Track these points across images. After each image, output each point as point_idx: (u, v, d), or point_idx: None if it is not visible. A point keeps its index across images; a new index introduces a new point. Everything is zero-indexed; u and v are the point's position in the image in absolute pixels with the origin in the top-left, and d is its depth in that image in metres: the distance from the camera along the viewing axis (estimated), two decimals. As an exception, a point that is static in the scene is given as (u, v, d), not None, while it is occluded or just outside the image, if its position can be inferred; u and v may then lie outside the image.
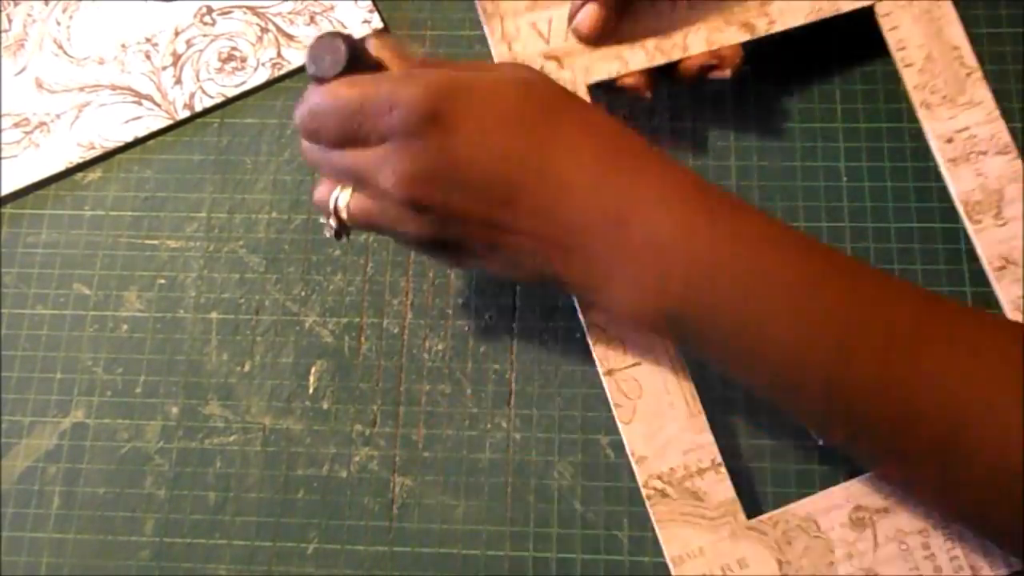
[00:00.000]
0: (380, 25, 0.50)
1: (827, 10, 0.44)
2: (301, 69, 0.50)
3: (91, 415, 0.45)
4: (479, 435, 0.43)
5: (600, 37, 0.42)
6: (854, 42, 0.48)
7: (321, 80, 0.34)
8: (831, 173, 0.46)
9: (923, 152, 0.46)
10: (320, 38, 0.34)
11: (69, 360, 0.46)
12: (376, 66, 0.36)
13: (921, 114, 0.43)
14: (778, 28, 0.43)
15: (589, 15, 0.41)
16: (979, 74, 0.44)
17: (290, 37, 0.51)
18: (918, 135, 0.47)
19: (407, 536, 0.42)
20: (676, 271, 0.32)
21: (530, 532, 0.42)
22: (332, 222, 0.36)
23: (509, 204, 0.33)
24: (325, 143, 0.35)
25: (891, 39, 0.44)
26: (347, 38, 0.35)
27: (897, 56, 0.44)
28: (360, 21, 0.50)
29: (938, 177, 0.46)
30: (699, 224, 0.32)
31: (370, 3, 0.51)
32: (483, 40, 0.50)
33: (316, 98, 0.34)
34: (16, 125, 0.50)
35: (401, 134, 0.32)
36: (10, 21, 0.52)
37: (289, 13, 0.51)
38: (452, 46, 0.50)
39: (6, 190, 0.48)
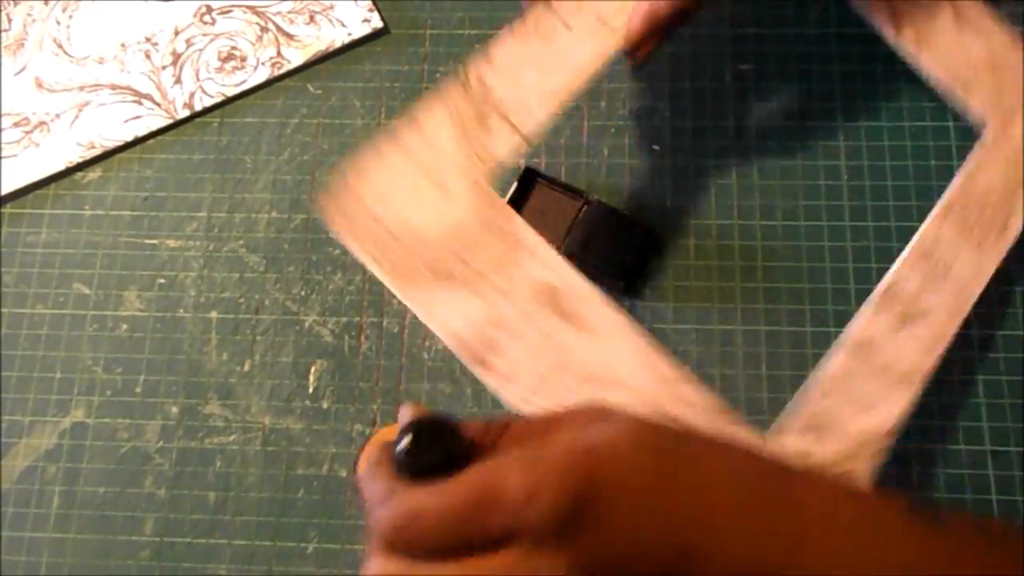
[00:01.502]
0: (380, 25, 0.50)
1: None
2: (301, 68, 0.50)
3: (91, 414, 0.45)
4: (479, 434, 0.43)
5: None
6: (854, 41, 0.48)
7: (416, 475, 0.27)
8: (832, 172, 0.46)
9: (924, 151, 0.46)
10: (413, 432, 0.27)
11: (69, 359, 0.46)
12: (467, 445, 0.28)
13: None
14: None
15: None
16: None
17: (290, 36, 0.50)
18: (919, 133, 0.47)
19: (407, 536, 0.42)
20: None
21: (530, 531, 0.42)
22: None
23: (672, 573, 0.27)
24: (422, 552, 0.27)
25: None
26: (446, 422, 0.28)
27: None
28: (360, 20, 0.50)
29: (938, 175, 0.46)
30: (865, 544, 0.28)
31: (370, 3, 0.51)
32: (481, 39, 0.50)
33: (418, 499, 0.26)
34: (16, 124, 0.50)
35: (538, 536, 0.25)
36: (10, 21, 0.52)
37: (289, 12, 0.51)
38: (452, 46, 0.50)
39: (6, 190, 0.48)
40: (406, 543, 0.27)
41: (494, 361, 0.37)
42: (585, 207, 0.45)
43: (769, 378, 0.43)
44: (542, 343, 0.37)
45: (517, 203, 0.46)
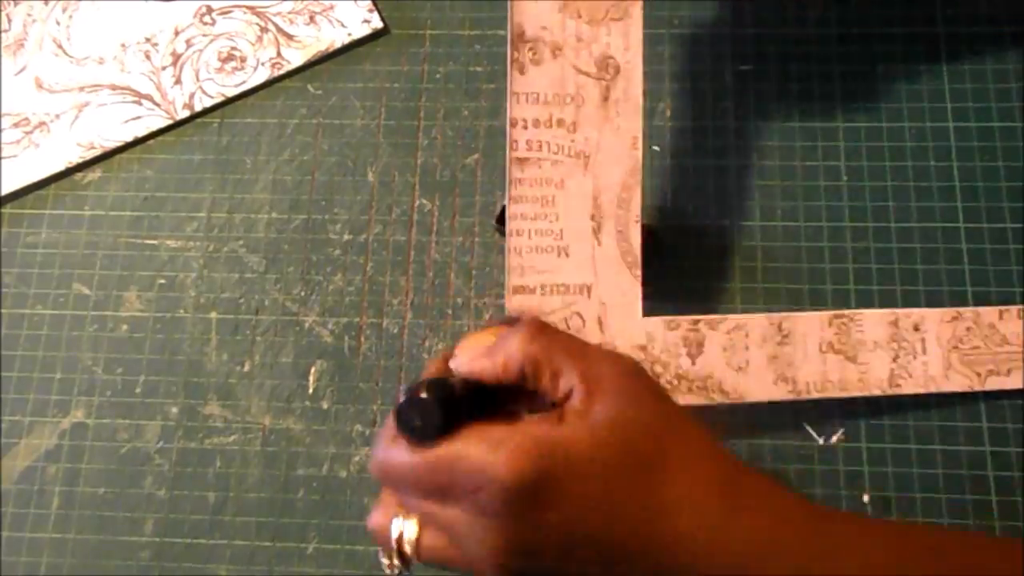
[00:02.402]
0: (380, 25, 0.50)
1: None
2: (301, 69, 0.50)
3: (91, 415, 0.45)
4: (479, 435, 0.43)
5: None
6: (854, 41, 0.48)
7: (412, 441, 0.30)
8: (831, 172, 0.46)
9: (923, 151, 0.46)
10: (410, 398, 0.30)
11: (69, 360, 0.46)
12: (469, 404, 0.31)
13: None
14: None
15: None
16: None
17: (290, 37, 0.50)
18: (919, 134, 0.47)
19: (407, 536, 0.42)
20: None
21: (530, 532, 0.42)
22: (394, 560, 0.32)
23: (619, 563, 0.30)
24: (401, 493, 0.31)
25: None
26: (440, 391, 0.31)
27: None
28: (360, 20, 0.50)
29: (938, 175, 0.46)
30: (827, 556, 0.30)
31: (370, 3, 0.51)
32: (481, 40, 0.50)
33: (396, 456, 0.31)
34: (16, 125, 0.50)
35: (491, 514, 0.29)
36: (10, 21, 0.52)
37: (289, 13, 0.51)
38: (452, 45, 0.50)
39: (6, 190, 0.48)
40: (386, 483, 0.32)
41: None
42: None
43: (769, 379, 0.43)
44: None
45: None
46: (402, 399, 0.30)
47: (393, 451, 0.31)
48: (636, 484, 0.30)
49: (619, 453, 0.30)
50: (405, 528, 0.31)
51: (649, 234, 0.45)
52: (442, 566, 0.32)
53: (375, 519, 0.33)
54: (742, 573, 0.30)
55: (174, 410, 0.45)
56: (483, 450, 0.29)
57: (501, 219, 0.45)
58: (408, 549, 0.31)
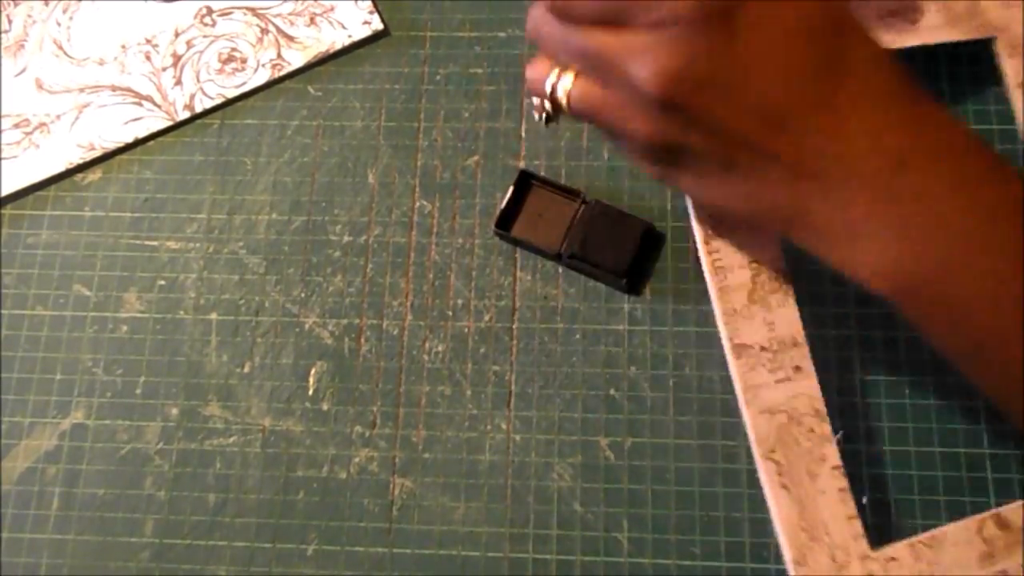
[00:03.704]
0: (380, 27, 0.50)
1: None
2: (301, 70, 0.50)
3: (91, 416, 0.45)
4: (479, 436, 0.43)
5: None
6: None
7: None
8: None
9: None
10: None
11: (69, 361, 0.46)
12: None
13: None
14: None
15: None
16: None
17: (290, 38, 0.51)
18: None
19: (407, 537, 0.42)
20: (952, 230, 0.30)
21: (530, 534, 0.42)
22: (546, 104, 0.32)
23: (778, 127, 0.29)
24: (575, 18, 0.31)
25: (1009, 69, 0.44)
26: None
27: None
28: (360, 22, 0.50)
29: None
30: (975, 184, 0.30)
31: (370, 3, 0.51)
32: (482, 41, 0.50)
33: None
34: (16, 126, 0.50)
35: (678, 24, 0.28)
36: (10, 22, 0.52)
37: (289, 14, 0.51)
38: (452, 47, 0.50)
39: (6, 191, 0.48)
40: (562, 7, 0.31)
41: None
42: (583, 207, 0.45)
43: (768, 381, 0.43)
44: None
45: (513, 207, 0.46)
46: None
47: None
48: (819, 55, 0.30)
49: (811, 18, 0.30)
50: (563, 79, 0.32)
51: (650, 231, 0.45)
52: (591, 116, 0.32)
53: (533, 68, 0.33)
54: (900, 163, 0.29)
55: (174, 411, 0.45)
56: None
57: (501, 222, 0.45)
58: (561, 94, 0.32)
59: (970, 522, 0.37)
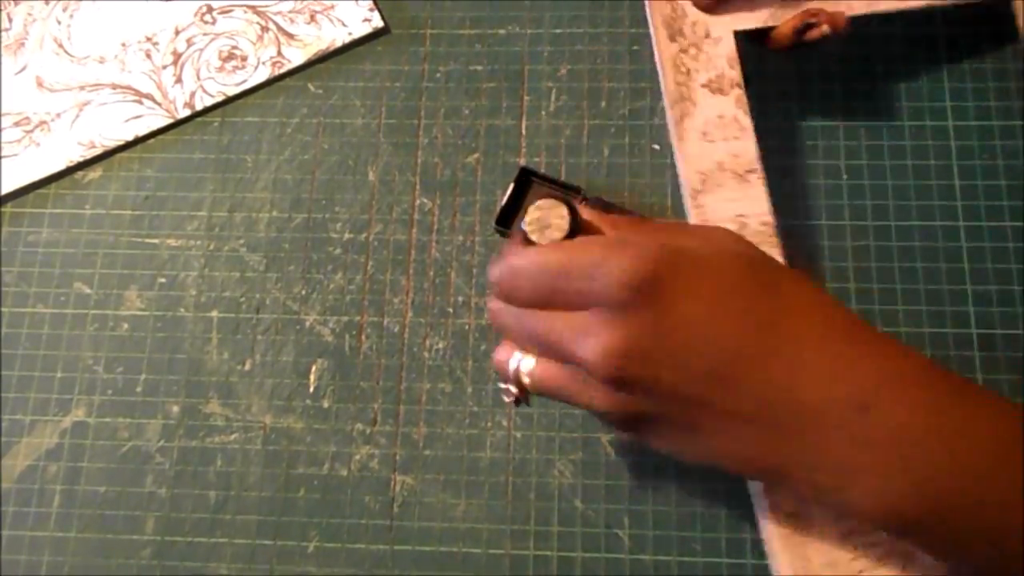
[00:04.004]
0: (380, 24, 0.50)
1: None
2: (301, 68, 0.50)
3: (92, 414, 0.45)
4: (480, 433, 0.43)
5: (717, 5, 0.43)
6: (853, 42, 0.48)
7: (529, 242, 0.33)
8: (831, 171, 0.46)
9: (923, 149, 0.46)
10: (542, 203, 0.33)
11: (70, 359, 0.46)
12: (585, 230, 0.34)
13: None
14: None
15: None
16: None
17: (290, 36, 0.51)
18: (918, 132, 0.47)
19: (408, 534, 0.42)
20: (930, 463, 0.29)
21: (531, 530, 0.42)
22: (512, 388, 0.34)
23: (730, 386, 0.30)
24: (519, 303, 0.33)
25: None
26: (569, 203, 0.33)
27: None
28: (360, 19, 0.50)
29: (938, 174, 0.46)
30: (947, 409, 0.29)
31: (371, 2, 0.51)
32: (482, 39, 0.50)
33: (519, 260, 0.32)
34: (17, 124, 0.50)
35: (610, 305, 0.29)
36: (11, 20, 0.52)
37: (289, 12, 0.51)
38: (452, 44, 0.50)
39: (7, 189, 0.49)
40: (507, 292, 0.33)
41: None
42: (583, 204, 0.45)
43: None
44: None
45: (514, 204, 0.46)
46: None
47: (518, 255, 0.32)
48: (755, 310, 0.30)
49: (739, 275, 0.31)
50: (523, 362, 0.33)
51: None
52: (553, 394, 0.34)
53: (498, 355, 0.35)
54: (863, 405, 0.29)
55: (175, 409, 0.45)
56: (607, 246, 0.31)
57: (501, 219, 0.45)
58: (525, 379, 0.33)
59: None
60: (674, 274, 0.29)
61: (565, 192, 0.45)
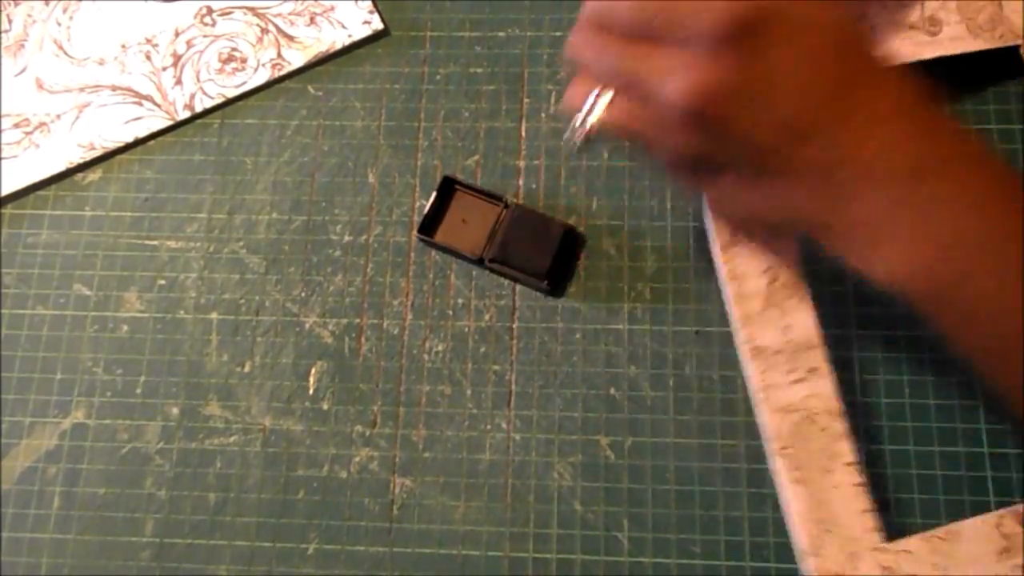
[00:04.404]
0: (380, 26, 0.50)
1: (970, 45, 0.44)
2: (301, 70, 0.50)
3: (91, 415, 0.45)
4: (479, 436, 0.43)
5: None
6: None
7: None
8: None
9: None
10: None
11: (69, 360, 0.46)
12: None
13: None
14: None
15: None
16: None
17: (290, 38, 0.51)
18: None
19: (407, 537, 0.42)
20: (965, 236, 0.31)
21: (530, 533, 0.42)
22: (586, 122, 0.34)
23: (804, 138, 0.31)
24: (614, 31, 0.33)
25: None
26: None
27: None
28: (360, 21, 0.50)
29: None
30: (988, 192, 0.32)
31: (370, 3, 0.51)
32: (482, 41, 0.50)
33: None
34: (16, 125, 0.50)
35: (708, 40, 0.30)
36: (10, 21, 0.52)
37: (289, 14, 0.51)
38: (452, 47, 0.50)
39: (6, 190, 0.49)
40: (602, 18, 0.33)
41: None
42: (505, 211, 0.45)
43: (768, 380, 0.43)
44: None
45: (437, 213, 0.46)
46: None
47: None
48: (840, 71, 0.32)
49: (832, 36, 0.32)
50: (602, 95, 0.33)
51: (570, 233, 0.45)
52: (627, 133, 0.34)
53: (571, 94, 0.34)
54: (916, 174, 0.31)
55: (174, 411, 0.45)
56: None
57: (423, 228, 0.45)
58: (599, 111, 0.34)
59: (988, 517, 0.37)
60: (769, 25, 0.30)
61: (487, 199, 0.46)
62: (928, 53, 0.44)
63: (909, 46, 0.44)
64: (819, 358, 0.39)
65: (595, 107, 0.34)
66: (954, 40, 0.44)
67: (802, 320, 0.40)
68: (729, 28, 0.30)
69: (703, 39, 0.30)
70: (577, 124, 0.35)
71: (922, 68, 0.43)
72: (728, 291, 0.40)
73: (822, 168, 0.32)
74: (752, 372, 0.39)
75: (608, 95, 0.34)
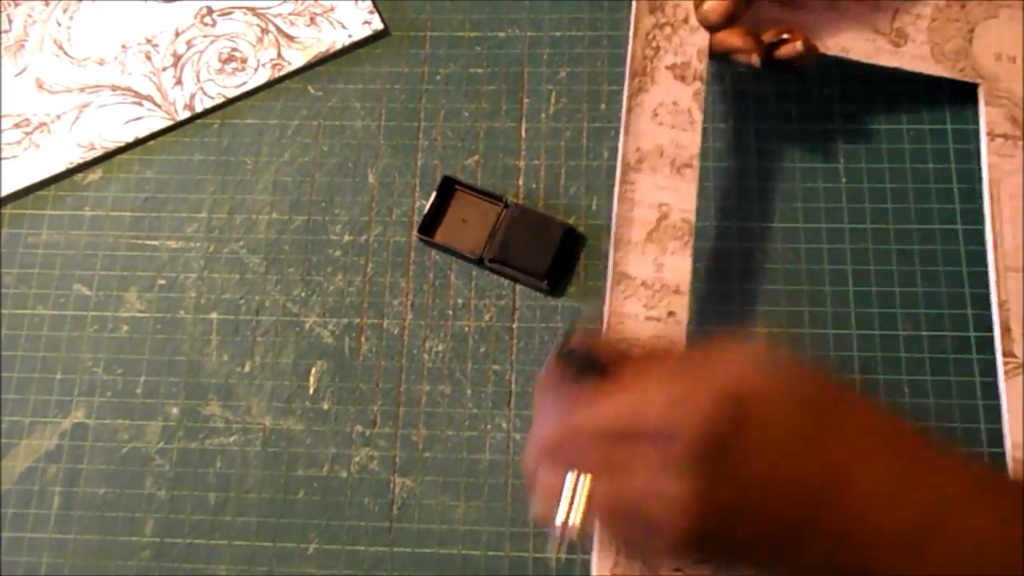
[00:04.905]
0: (380, 27, 0.50)
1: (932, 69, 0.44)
2: (301, 70, 0.50)
3: (91, 415, 0.45)
4: (479, 436, 0.43)
5: (725, 25, 0.43)
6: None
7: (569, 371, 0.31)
8: (830, 174, 0.46)
9: (921, 153, 0.46)
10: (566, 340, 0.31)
11: (69, 360, 0.46)
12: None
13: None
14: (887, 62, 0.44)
15: (716, 5, 0.42)
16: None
17: (290, 38, 0.51)
18: (917, 136, 0.47)
19: (407, 536, 0.42)
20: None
21: (530, 533, 0.42)
22: (571, 517, 0.31)
23: (804, 527, 0.30)
24: (576, 468, 0.31)
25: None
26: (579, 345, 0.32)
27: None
28: (360, 21, 0.51)
29: (936, 178, 0.46)
30: (1005, 529, 0.30)
31: (370, 3, 0.51)
32: (482, 41, 0.50)
33: (578, 417, 0.31)
34: (16, 126, 0.50)
35: (681, 466, 0.29)
36: (10, 22, 0.52)
37: (289, 14, 0.51)
38: (452, 47, 0.50)
39: (6, 190, 0.49)
40: (564, 456, 0.31)
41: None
42: (504, 211, 0.45)
43: (768, 380, 0.43)
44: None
45: (437, 213, 0.46)
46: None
47: (572, 417, 0.31)
48: (819, 445, 0.30)
49: (799, 411, 0.30)
50: (580, 481, 0.30)
51: (570, 232, 0.45)
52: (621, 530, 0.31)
53: (538, 506, 0.31)
54: (927, 525, 0.29)
55: (175, 411, 0.45)
56: (667, 394, 0.30)
57: (423, 229, 0.45)
58: (580, 509, 0.31)
59: None
60: (740, 424, 0.29)
61: (487, 199, 0.46)
62: (885, 61, 0.44)
63: (870, 48, 0.44)
64: (682, 306, 0.39)
65: (575, 499, 0.30)
66: (915, 58, 0.45)
67: (679, 265, 0.40)
68: (702, 450, 0.29)
69: (677, 465, 0.29)
70: (559, 522, 0.31)
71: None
72: (615, 214, 0.40)
73: (834, 547, 0.30)
74: (610, 297, 0.39)
75: (586, 480, 0.30)
